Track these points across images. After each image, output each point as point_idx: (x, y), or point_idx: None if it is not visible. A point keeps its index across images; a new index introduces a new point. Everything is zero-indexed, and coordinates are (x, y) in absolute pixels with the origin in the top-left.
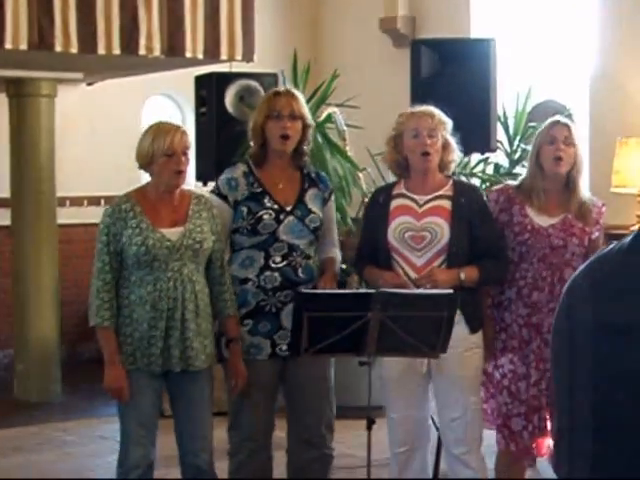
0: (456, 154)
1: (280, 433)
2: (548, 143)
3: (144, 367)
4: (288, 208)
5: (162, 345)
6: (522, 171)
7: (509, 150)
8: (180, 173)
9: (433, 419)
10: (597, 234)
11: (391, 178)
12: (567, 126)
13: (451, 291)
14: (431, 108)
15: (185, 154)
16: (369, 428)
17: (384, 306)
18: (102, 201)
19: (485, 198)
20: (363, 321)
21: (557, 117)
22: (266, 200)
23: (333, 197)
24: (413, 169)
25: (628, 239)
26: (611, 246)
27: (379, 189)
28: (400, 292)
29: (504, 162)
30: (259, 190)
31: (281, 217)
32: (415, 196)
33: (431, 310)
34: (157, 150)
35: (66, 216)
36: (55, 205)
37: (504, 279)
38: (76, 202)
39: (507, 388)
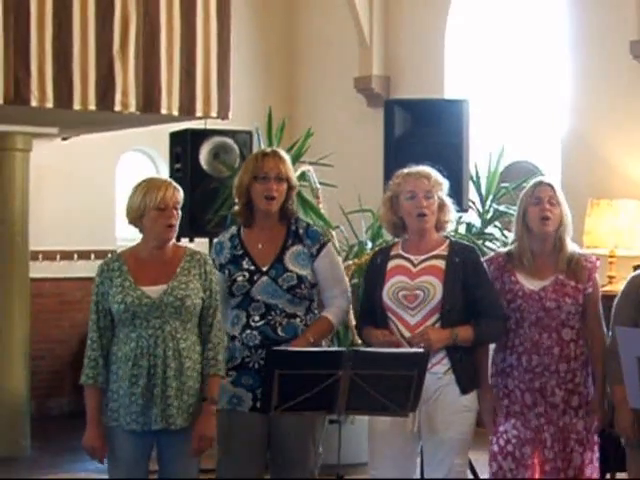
0: (452, 214)
1: None
2: (533, 204)
3: (126, 425)
4: (264, 268)
5: (142, 403)
6: (494, 231)
7: (481, 210)
8: (171, 227)
9: None
10: (591, 290)
11: (364, 236)
12: (551, 186)
13: (422, 350)
14: (427, 169)
15: (176, 209)
16: None
17: (355, 364)
18: (75, 255)
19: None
20: (333, 379)
21: (540, 178)
22: (244, 262)
23: (327, 250)
24: (410, 230)
25: None
26: None
27: (378, 250)
28: (371, 351)
29: (476, 222)
30: (240, 252)
31: (255, 278)
32: (411, 256)
33: (401, 369)
34: (149, 204)
35: (38, 270)
36: (28, 259)
37: (499, 339)
38: (49, 256)
39: (511, 454)
